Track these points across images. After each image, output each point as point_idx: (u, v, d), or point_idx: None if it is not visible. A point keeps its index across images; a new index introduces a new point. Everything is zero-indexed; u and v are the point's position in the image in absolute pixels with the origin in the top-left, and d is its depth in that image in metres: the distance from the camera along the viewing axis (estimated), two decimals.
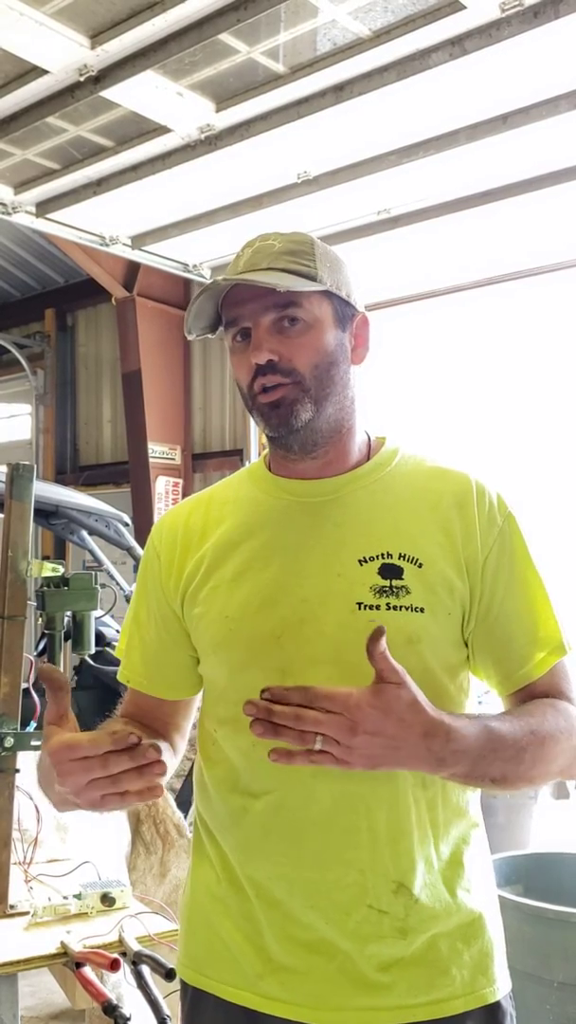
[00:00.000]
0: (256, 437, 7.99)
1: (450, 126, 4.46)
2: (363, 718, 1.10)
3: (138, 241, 6.04)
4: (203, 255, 6.32)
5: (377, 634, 1.12)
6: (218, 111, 4.40)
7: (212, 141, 4.66)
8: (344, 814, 1.26)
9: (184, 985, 1.41)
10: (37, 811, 2.51)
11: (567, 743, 1.29)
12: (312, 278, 1.30)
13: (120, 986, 2.28)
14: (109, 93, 4.21)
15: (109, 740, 1.12)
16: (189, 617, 1.42)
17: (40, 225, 5.76)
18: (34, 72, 4.14)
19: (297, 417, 1.31)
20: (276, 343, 1.31)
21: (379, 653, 1.12)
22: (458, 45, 3.79)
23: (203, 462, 8.78)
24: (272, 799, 1.29)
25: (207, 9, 3.68)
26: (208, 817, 1.39)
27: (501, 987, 1.32)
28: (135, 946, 2.04)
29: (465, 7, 3.57)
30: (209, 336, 1.41)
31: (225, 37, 3.81)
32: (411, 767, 1.18)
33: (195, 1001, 1.38)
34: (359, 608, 1.29)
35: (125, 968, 2.00)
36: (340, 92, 4.16)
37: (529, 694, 1.34)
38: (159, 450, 8.49)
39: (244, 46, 3.90)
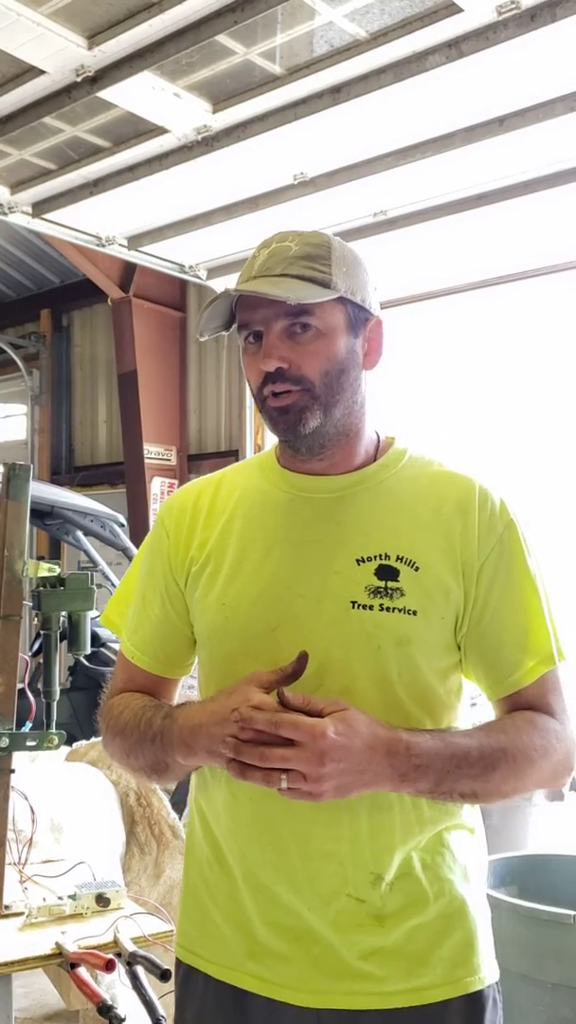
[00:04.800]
0: (251, 439, 7.99)
1: (447, 128, 4.48)
2: (329, 746, 1.15)
3: (134, 242, 6.05)
4: (199, 256, 6.33)
5: (280, 698, 1.20)
6: (215, 112, 4.41)
7: (209, 142, 4.67)
8: (326, 809, 1.27)
9: (178, 962, 1.45)
10: (32, 812, 2.51)
11: (542, 761, 1.31)
12: (326, 285, 1.30)
13: (115, 987, 2.28)
14: (106, 94, 4.22)
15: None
16: (191, 598, 1.44)
17: (36, 225, 5.77)
18: (31, 72, 4.15)
19: (305, 424, 1.33)
20: (286, 350, 1.31)
21: (306, 706, 1.19)
22: (455, 48, 3.80)
23: (198, 463, 8.77)
24: (260, 788, 1.28)
25: (204, 10, 3.69)
26: (203, 801, 1.42)
27: (485, 977, 1.34)
28: (130, 947, 2.04)
29: (462, 10, 3.59)
30: (223, 333, 1.41)
31: (222, 38, 3.82)
32: (377, 787, 1.23)
33: (187, 978, 1.42)
34: (353, 607, 1.31)
35: (120, 969, 2.00)
36: (337, 94, 4.17)
37: (517, 702, 1.36)
38: (154, 451, 8.49)
39: (241, 47, 3.91)
